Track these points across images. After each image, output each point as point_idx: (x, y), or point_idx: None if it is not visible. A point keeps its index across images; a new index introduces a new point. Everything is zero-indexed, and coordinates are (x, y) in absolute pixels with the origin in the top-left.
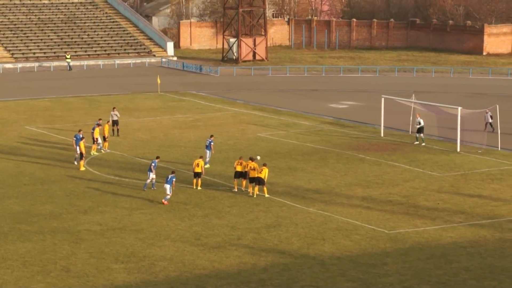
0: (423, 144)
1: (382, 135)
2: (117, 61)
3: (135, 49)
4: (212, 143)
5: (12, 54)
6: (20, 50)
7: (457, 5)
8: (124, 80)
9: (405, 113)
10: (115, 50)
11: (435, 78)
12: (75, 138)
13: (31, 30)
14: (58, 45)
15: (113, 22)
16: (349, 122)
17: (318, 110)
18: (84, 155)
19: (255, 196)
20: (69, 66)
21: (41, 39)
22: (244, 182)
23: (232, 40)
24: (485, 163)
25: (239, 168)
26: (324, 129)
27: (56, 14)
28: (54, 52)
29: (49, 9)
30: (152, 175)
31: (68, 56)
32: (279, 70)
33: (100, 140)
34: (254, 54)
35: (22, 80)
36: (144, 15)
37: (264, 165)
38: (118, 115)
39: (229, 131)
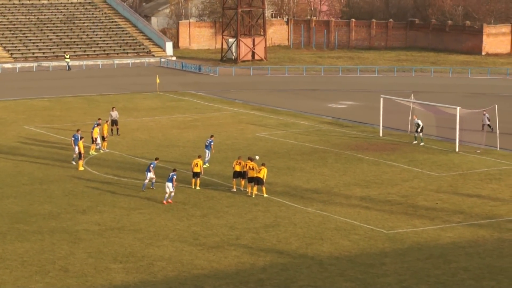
0: (422, 143)
1: (381, 135)
2: (116, 61)
3: (134, 49)
4: (212, 143)
5: (11, 54)
6: (19, 50)
7: (456, 5)
8: (123, 80)
9: (404, 113)
10: (114, 50)
11: (434, 78)
12: (73, 138)
13: (30, 30)
14: (57, 45)
15: (112, 22)
16: (348, 122)
17: (317, 110)
18: (83, 154)
19: (253, 196)
20: (68, 66)
21: (40, 39)
22: (242, 182)
23: (231, 40)
24: (483, 163)
25: (237, 168)
26: (323, 129)
27: (55, 14)
28: (53, 52)
29: (48, 9)
30: (151, 175)
31: (67, 56)
32: (278, 70)
33: (99, 140)
34: (253, 54)
35: (21, 80)
36: (143, 15)
37: (263, 165)
38: (118, 115)
39: (228, 131)
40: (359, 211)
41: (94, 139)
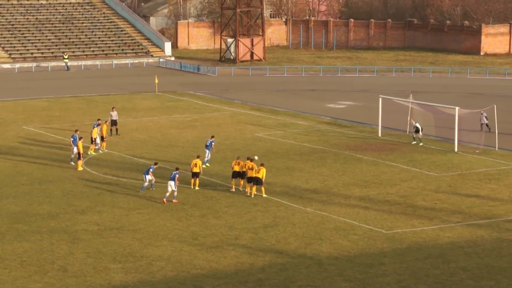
0: (421, 144)
1: (379, 135)
2: (115, 61)
3: (132, 49)
4: (213, 143)
5: (10, 54)
6: (17, 50)
7: (455, 5)
8: (122, 80)
9: (402, 113)
10: (113, 50)
11: (433, 78)
12: (72, 139)
13: (28, 30)
14: (56, 45)
15: (111, 22)
16: (347, 122)
17: (316, 110)
18: (82, 155)
19: (252, 196)
20: (67, 66)
21: (39, 39)
22: (241, 182)
23: (230, 40)
24: (482, 163)
25: (236, 168)
26: (322, 129)
27: (54, 15)
28: (52, 52)
29: (47, 9)
30: (149, 177)
31: (66, 56)
32: (277, 70)
33: (98, 140)
34: (252, 54)
35: (20, 80)
36: (141, 15)
37: (262, 165)
38: (117, 115)
39: (226, 131)
40: (358, 211)
41: (93, 139)
